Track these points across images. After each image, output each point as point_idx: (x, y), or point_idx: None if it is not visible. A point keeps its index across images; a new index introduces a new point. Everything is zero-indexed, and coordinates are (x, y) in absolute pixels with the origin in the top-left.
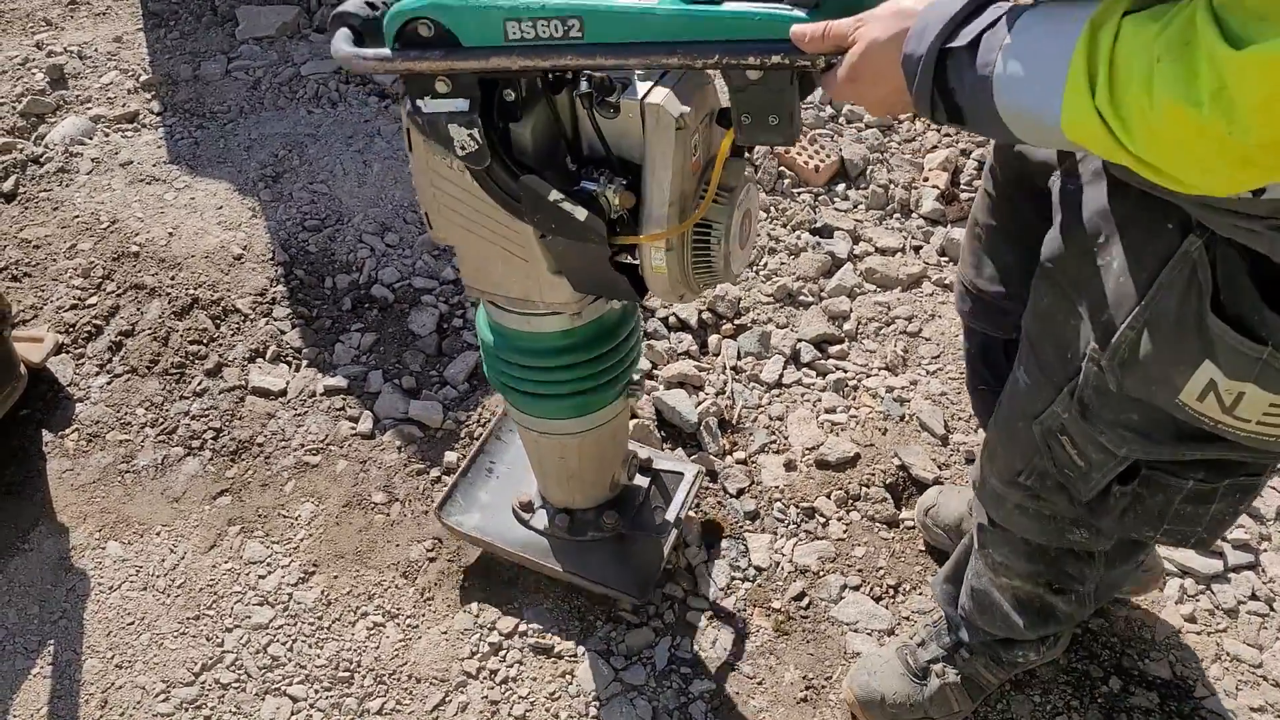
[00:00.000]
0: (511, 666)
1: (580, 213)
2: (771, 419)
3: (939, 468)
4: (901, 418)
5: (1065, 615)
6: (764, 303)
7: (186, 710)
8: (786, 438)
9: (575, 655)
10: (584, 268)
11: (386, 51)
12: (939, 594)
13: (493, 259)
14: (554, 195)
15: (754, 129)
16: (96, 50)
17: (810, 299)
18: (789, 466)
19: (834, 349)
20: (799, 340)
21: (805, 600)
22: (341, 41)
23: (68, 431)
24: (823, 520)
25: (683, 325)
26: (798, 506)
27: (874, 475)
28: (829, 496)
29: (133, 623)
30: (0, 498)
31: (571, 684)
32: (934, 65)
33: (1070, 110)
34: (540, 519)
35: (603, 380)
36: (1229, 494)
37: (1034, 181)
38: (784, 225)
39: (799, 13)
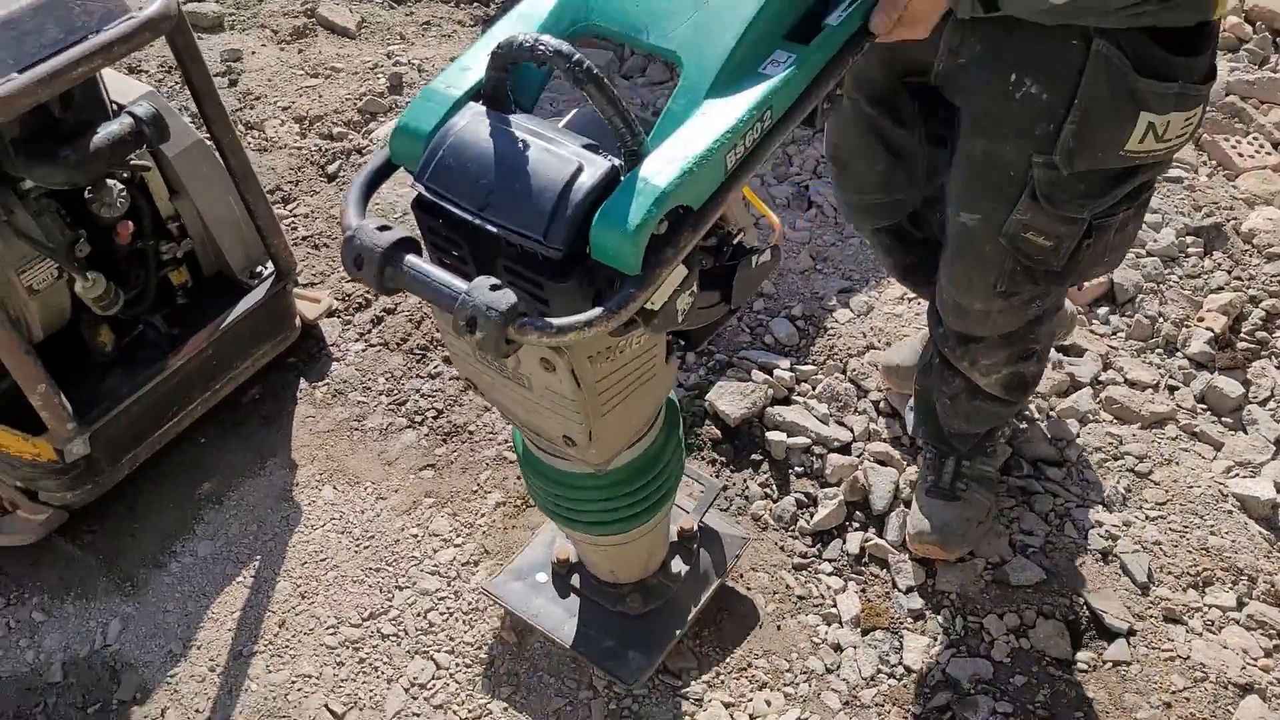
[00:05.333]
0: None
1: (767, 255)
2: None
3: (1134, 617)
4: (1104, 556)
5: (1033, 375)
6: None
7: (347, 648)
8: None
9: (701, 699)
10: (711, 321)
11: (635, 281)
12: (921, 434)
13: (638, 403)
14: (754, 262)
15: (829, 110)
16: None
17: (1036, 415)
18: (968, 575)
19: (1049, 470)
20: (1013, 453)
21: (948, 715)
22: (538, 322)
23: (320, 384)
24: (989, 640)
25: (893, 412)
26: (965, 618)
27: (1056, 607)
28: (1001, 616)
29: (325, 560)
30: (255, 426)
31: None
32: None
33: None
34: (644, 599)
35: (675, 476)
36: (1138, 212)
37: (895, 94)
38: None
39: None
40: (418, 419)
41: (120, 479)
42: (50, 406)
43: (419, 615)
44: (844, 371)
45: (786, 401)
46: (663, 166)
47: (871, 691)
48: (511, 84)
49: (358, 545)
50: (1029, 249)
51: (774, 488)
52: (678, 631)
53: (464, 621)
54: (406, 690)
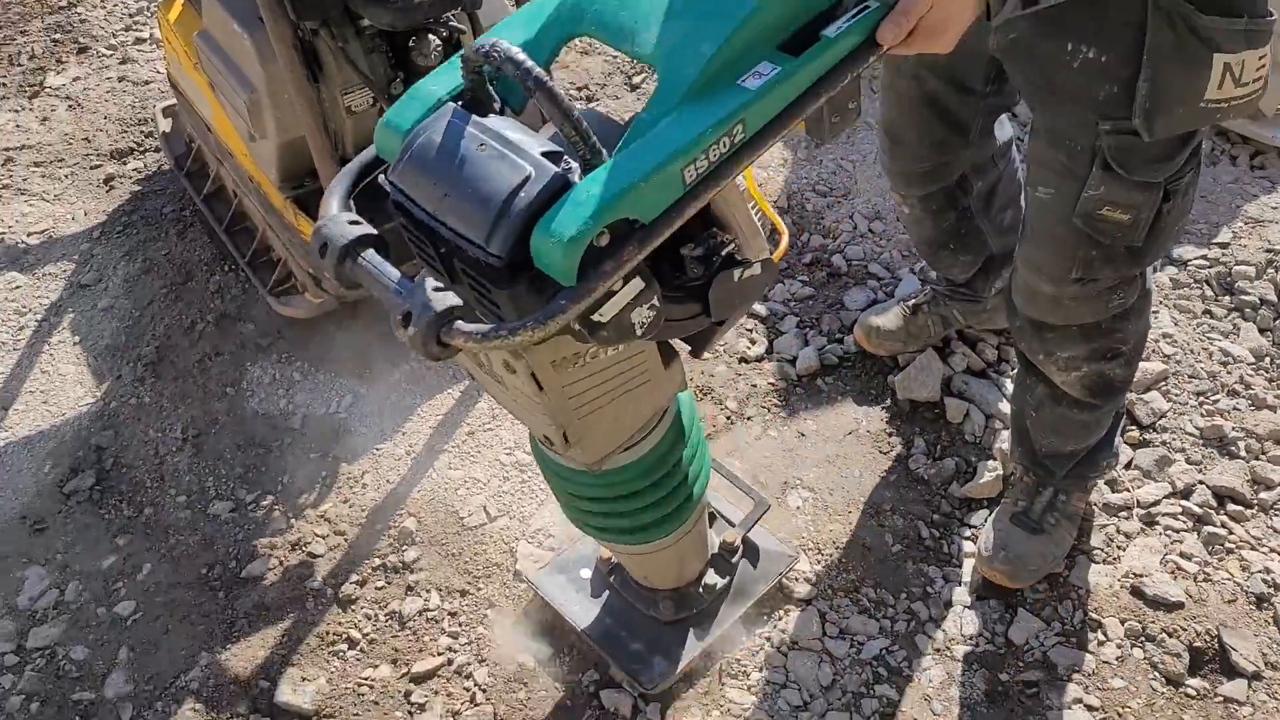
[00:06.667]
0: None
1: (756, 268)
2: (1118, 532)
3: (1266, 665)
4: (1259, 601)
5: (1121, 380)
6: (1189, 433)
7: (516, 469)
8: (1121, 552)
9: (802, 601)
10: (698, 330)
11: (567, 293)
12: (1016, 457)
13: (626, 406)
14: (736, 275)
15: (839, 124)
16: None
17: (1241, 454)
18: (1104, 578)
19: (1232, 507)
20: (1200, 481)
21: (1035, 690)
22: (466, 326)
23: None
24: (1102, 639)
25: None
26: (1087, 613)
27: (1184, 630)
28: (1123, 622)
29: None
30: None
31: (784, 627)
32: None
33: None
34: (675, 607)
35: (688, 491)
36: (1196, 171)
37: (960, 62)
38: (1268, 379)
39: (873, 4)
40: None
41: None
42: None
43: None
44: None
45: (982, 374)
46: (609, 177)
47: (965, 649)
48: (503, 87)
49: None
50: (1107, 227)
51: (938, 448)
52: (703, 643)
53: None
54: (550, 515)
